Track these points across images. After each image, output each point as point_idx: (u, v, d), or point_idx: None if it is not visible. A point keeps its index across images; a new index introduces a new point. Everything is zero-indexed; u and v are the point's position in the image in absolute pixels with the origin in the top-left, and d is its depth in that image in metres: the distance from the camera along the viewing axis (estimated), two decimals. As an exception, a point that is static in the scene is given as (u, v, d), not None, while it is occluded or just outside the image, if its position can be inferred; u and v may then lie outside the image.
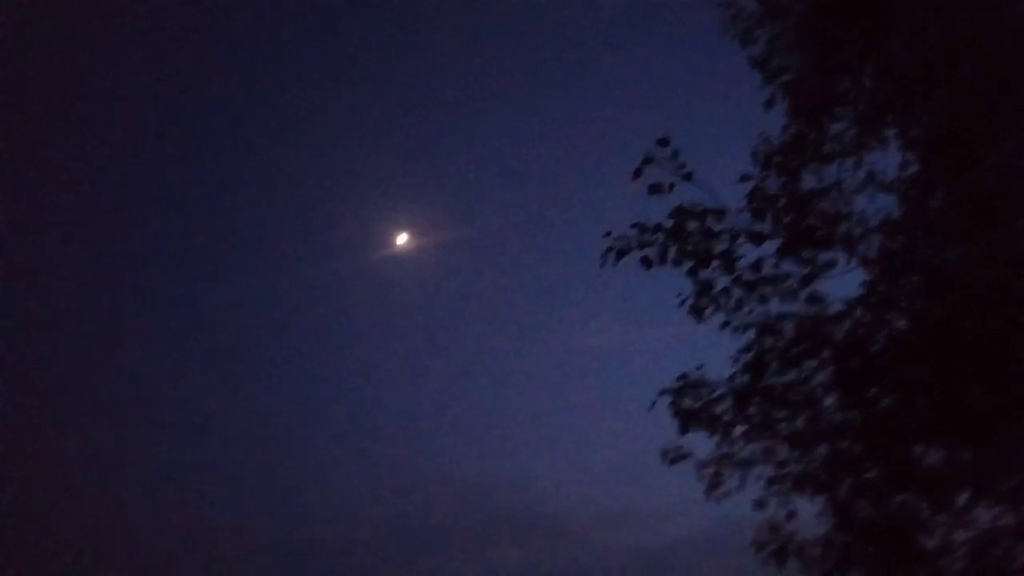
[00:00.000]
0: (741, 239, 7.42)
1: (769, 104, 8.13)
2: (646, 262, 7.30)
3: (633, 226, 7.28)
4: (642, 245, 7.29)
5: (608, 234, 7.31)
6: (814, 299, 7.57)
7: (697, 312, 7.42)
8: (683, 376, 7.65)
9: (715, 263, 7.38)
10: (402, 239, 19.92)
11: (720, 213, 7.37)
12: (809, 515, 7.82)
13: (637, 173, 7.22)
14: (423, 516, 20.75)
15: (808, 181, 7.87)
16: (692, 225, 7.33)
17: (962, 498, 7.71)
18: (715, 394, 7.63)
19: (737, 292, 7.42)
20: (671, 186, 7.27)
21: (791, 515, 7.81)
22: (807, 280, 7.57)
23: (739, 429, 7.71)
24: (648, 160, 7.19)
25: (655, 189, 7.26)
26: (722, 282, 7.44)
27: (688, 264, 7.35)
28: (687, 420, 7.57)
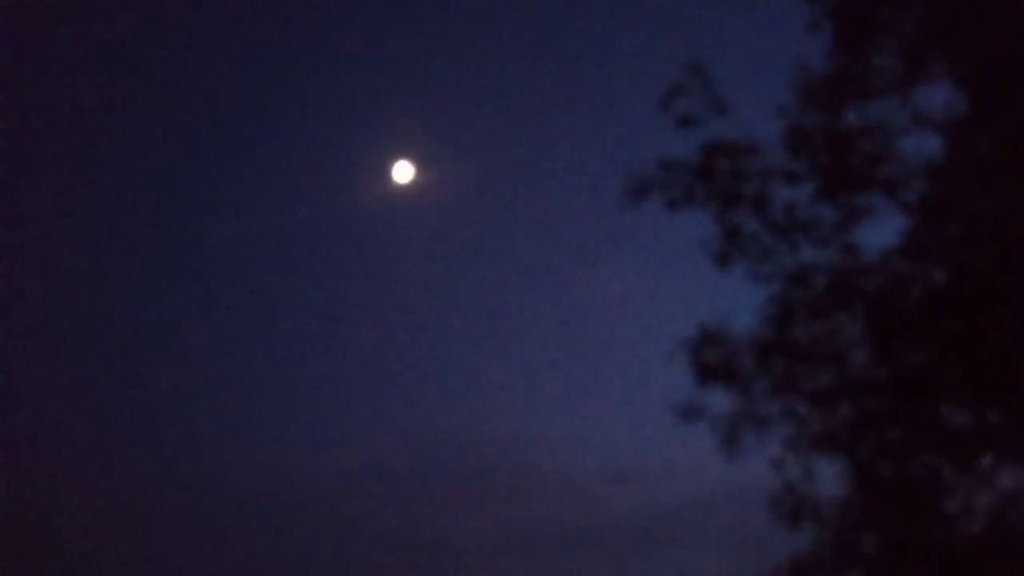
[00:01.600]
0: (775, 179, 6.82)
1: (812, 27, 7.41)
2: (670, 202, 6.71)
3: (658, 163, 6.66)
4: (667, 184, 6.68)
5: (630, 171, 6.70)
6: (848, 248, 7.02)
7: (723, 259, 6.86)
8: (703, 326, 7.14)
9: (745, 205, 6.78)
10: (409, 174, 19.14)
11: (753, 151, 6.75)
12: (827, 476, 7.47)
13: (665, 103, 6.57)
14: (430, 472, 20.60)
15: (849, 118, 7.23)
16: (722, 163, 6.72)
17: (986, 460, 7.39)
18: (736, 347, 7.14)
19: (767, 238, 6.85)
20: (702, 118, 6.63)
21: (809, 475, 7.44)
22: (842, 226, 7.02)
23: (760, 384, 7.26)
24: (678, 89, 6.54)
25: (685, 121, 6.62)
26: (751, 226, 6.86)
27: (716, 206, 6.75)
28: (706, 373, 7.10)
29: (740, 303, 7.27)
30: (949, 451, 7.34)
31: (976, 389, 7.20)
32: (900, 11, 7.65)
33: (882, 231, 7.18)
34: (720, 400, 7.32)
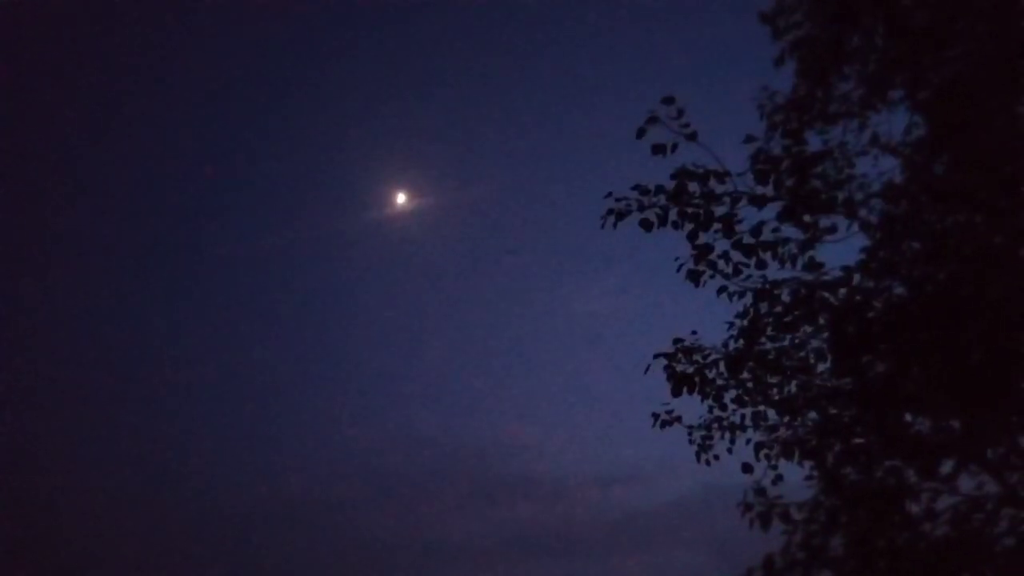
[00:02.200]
0: (743, 202, 7.24)
1: (778, 62, 7.88)
2: (646, 224, 7.13)
3: (634, 188, 7.10)
4: (642, 207, 7.11)
5: (609, 195, 7.15)
6: (812, 265, 7.43)
7: (694, 277, 7.28)
8: (678, 340, 7.57)
9: (715, 226, 7.20)
10: (401, 199, 19.56)
11: (722, 175, 7.17)
12: (796, 479, 7.86)
13: (640, 132, 7.00)
14: (421, 478, 20.97)
15: (812, 143, 7.69)
16: (694, 187, 7.15)
17: (948, 465, 7.74)
18: (709, 359, 7.56)
19: (735, 256, 7.27)
20: (674, 146, 7.06)
21: (778, 479, 7.84)
22: (807, 245, 7.43)
23: (731, 394, 7.67)
24: (652, 119, 6.97)
25: (658, 149, 7.05)
26: (721, 246, 7.28)
27: (688, 227, 7.17)
28: (680, 383, 7.51)
29: (712, 318, 7.69)
30: (913, 456, 7.67)
31: (937, 397, 7.57)
32: (863, 40, 8.11)
33: (844, 249, 7.59)
34: (695, 409, 7.76)
